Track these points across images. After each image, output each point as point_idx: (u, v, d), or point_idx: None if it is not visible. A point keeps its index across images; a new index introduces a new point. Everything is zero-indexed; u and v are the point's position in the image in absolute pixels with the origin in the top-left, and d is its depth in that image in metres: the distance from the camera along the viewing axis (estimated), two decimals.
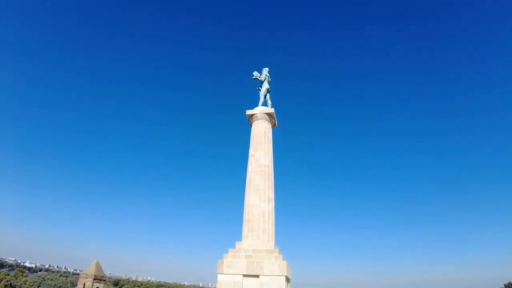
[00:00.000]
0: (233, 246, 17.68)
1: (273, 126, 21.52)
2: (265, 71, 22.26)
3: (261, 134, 19.97)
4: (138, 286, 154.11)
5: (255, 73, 22.07)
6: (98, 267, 29.31)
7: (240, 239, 18.33)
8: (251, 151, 19.78)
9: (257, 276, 15.89)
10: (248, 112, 21.04)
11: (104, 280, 29.75)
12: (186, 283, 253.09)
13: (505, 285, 46.73)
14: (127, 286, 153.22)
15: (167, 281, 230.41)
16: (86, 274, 28.59)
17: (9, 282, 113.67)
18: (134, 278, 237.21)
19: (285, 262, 16.16)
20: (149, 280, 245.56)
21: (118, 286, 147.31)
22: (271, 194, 18.66)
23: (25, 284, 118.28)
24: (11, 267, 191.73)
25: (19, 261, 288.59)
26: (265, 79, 21.96)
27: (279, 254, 16.83)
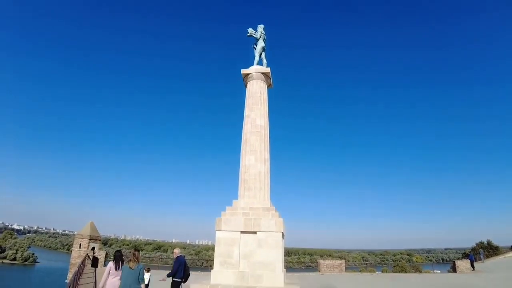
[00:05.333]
0: (230, 205, 18.11)
1: (269, 86, 21.15)
2: (260, 28, 21.31)
3: (257, 94, 19.65)
4: (127, 245, 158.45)
5: (250, 30, 21.15)
6: (93, 227, 29.68)
7: (235, 198, 18.70)
8: (246, 112, 19.58)
9: (255, 232, 16.51)
10: (243, 71, 20.48)
11: (99, 240, 30.31)
12: (173, 241, 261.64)
13: (476, 244, 50.53)
14: (116, 244, 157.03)
15: (155, 239, 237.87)
16: (82, 235, 28.95)
17: None
18: (122, 237, 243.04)
19: (281, 219, 16.75)
20: (137, 239, 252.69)
21: (107, 245, 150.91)
22: (266, 155, 18.85)
23: (15, 245, 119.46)
24: None
25: (6, 224, 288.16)
26: (260, 37, 21.10)
27: (275, 211, 17.39)
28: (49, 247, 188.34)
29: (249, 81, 20.36)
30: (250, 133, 18.91)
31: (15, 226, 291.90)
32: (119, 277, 8.82)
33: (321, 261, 30.61)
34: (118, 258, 9.18)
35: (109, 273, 8.97)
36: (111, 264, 9.13)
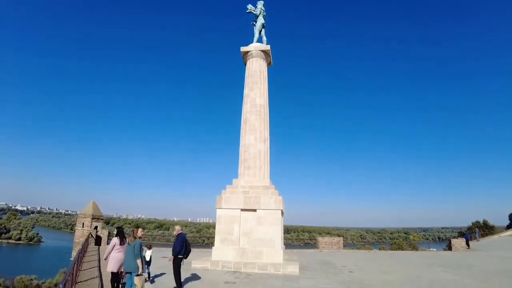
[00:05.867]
0: (230, 183, 18.29)
1: (269, 64, 20.84)
2: (260, 4, 20.77)
3: (256, 73, 19.40)
4: (129, 223, 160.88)
5: (250, 7, 20.63)
6: (95, 207, 30.08)
7: (236, 177, 18.84)
8: (246, 91, 19.40)
9: (255, 210, 16.77)
10: (243, 49, 20.14)
11: (102, 219, 30.79)
12: (175, 219, 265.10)
13: (472, 223, 51.25)
14: (118, 223, 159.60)
15: (157, 218, 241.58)
16: (84, 214, 29.36)
17: (3, 225, 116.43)
18: (124, 216, 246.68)
19: (280, 198, 16.97)
20: (139, 218, 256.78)
21: (109, 224, 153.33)
22: (266, 134, 18.84)
23: (19, 226, 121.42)
24: (2, 211, 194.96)
25: (10, 205, 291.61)
26: (260, 13, 20.60)
27: (275, 190, 17.59)
28: (53, 227, 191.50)
29: (248, 59, 20.06)
30: (249, 113, 18.84)
31: (19, 207, 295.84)
32: (122, 252, 9.10)
33: (319, 238, 31.23)
34: (121, 234, 9.52)
35: (113, 247, 9.32)
36: (115, 240, 9.45)
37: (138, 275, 7.63)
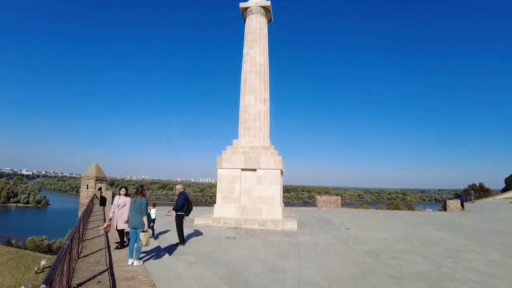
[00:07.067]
0: (231, 144, 18.38)
1: (269, 21, 19.98)
2: None
3: (256, 30, 18.64)
4: (133, 185, 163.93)
5: None
6: (98, 169, 30.54)
7: (236, 138, 18.87)
8: (245, 49, 18.78)
9: (254, 170, 17.01)
10: (242, 5, 19.19)
11: (105, 181, 31.39)
12: (178, 179, 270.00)
13: (468, 186, 51.99)
14: (122, 185, 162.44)
15: (161, 179, 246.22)
16: (88, 176, 29.90)
17: (10, 189, 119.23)
18: (128, 178, 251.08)
19: (280, 158, 17.11)
20: (143, 179, 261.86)
21: (113, 186, 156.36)
22: (266, 94, 18.56)
23: (26, 190, 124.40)
24: (9, 176, 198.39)
25: (15, 170, 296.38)
26: None
27: (274, 150, 17.70)
28: (59, 190, 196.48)
29: (248, 15, 19.19)
30: (249, 72, 18.40)
31: (24, 172, 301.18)
32: (126, 208, 9.34)
33: (318, 197, 32.06)
34: (126, 192, 9.80)
35: (117, 206, 9.57)
36: (117, 198, 9.69)
37: (143, 231, 7.84)
